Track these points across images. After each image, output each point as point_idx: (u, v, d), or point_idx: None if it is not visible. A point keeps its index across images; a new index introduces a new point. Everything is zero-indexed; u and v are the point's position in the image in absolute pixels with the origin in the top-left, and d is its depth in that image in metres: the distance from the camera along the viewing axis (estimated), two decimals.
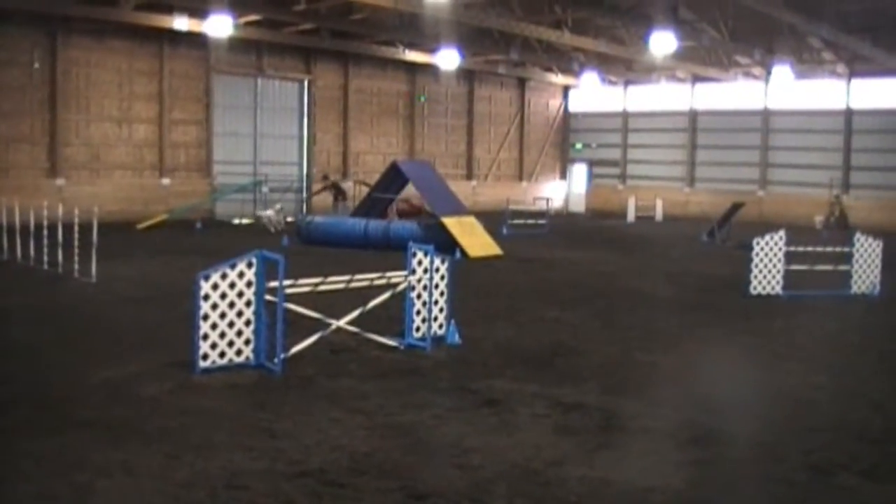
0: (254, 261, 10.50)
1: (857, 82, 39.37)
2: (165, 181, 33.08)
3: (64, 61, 30.38)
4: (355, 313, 11.62)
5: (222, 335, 10.34)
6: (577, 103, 49.35)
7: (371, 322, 12.10)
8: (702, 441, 8.43)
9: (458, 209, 24.81)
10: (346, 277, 11.60)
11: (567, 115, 49.58)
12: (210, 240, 26.01)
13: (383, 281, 11.80)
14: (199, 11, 29.07)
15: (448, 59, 35.55)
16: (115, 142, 31.95)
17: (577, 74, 42.92)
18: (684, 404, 9.77)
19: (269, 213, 29.08)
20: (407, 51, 37.74)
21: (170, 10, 29.75)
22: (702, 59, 39.13)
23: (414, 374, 10.67)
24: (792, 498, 7.17)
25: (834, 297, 17.83)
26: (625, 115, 47.39)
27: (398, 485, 7.05)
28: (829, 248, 18.94)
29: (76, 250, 17.31)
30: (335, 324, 11.45)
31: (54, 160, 30.39)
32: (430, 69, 40.43)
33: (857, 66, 38.23)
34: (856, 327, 15.06)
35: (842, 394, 10.48)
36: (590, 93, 47.89)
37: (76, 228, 17.22)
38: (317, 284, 11.15)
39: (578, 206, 48.07)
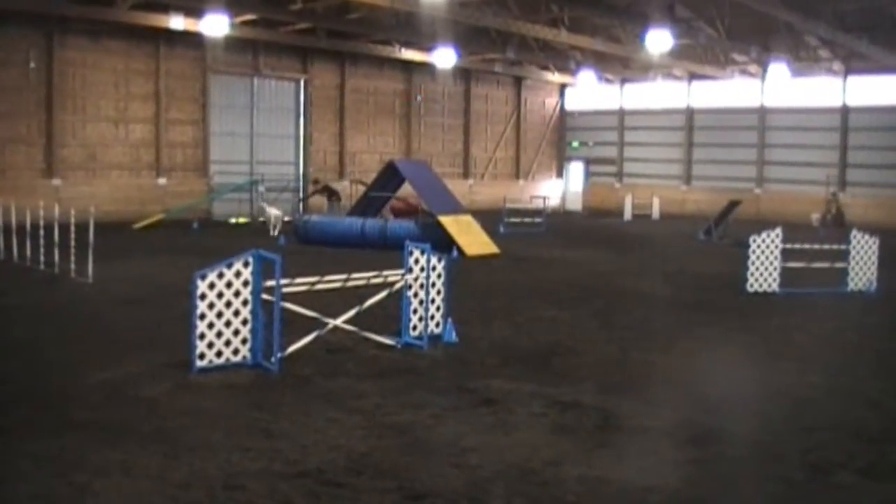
0: (250, 260, 10.49)
1: (853, 80, 39.39)
2: (162, 181, 33.07)
3: (60, 61, 30.37)
4: (352, 312, 11.62)
5: (219, 335, 10.33)
6: (573, 101, 49.37)
7: (368, 321, 12.09)
8: (699, 440, 8.43)
9: (455, 208, 24.81)
10: (343, 276, 11.59)
11: (564, 114, 49.58)
12: (207, 239, 25.99)
13: (380, 280, 11.79)
14: (195, 11, 29.06)
15: (444, 57, 35.57)
16: (111, 142, 31.93)
17: (573, 73, 42.92)
18: (682, 403, 9.77)
19: (275, 211, 28.68)
20: (403, 50, 37.73)
21: (166, 9, 29.73)
22: (698, 56, 39.14)
23: (411, 374, 10.66)
24: (790, 497, 7.17)
25: (830, 295, 17.85)
26: (621, 114, 47.41)
27: (396, 484, 7.04)
28: (825, 246, 18.94)
29: (73, 250, 17.30)
30: (332, 323, 11.44)
31: (51, 160, 30.37)
32: (426, 68, 40.44)
33: (854, 64, 38.25)
34: (852, 325, 15.06)
35: (839, 392, 10.48)
36: (586, 91, 47.89)
37: (73, 228, 17.20)
38: (314, 283, 11.15)
39: (575, 204, 48.06)
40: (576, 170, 49.21)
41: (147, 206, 31.65)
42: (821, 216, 37.70)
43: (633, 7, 32.84)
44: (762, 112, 42.27)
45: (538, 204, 35.55)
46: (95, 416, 8.66)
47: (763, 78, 40.54)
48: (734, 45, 35.18)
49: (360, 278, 11.63)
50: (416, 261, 12.11)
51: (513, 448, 8.03)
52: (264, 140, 36.41)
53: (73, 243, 17.28)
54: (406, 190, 27.63)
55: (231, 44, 33.55)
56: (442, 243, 20.90)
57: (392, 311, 12.67)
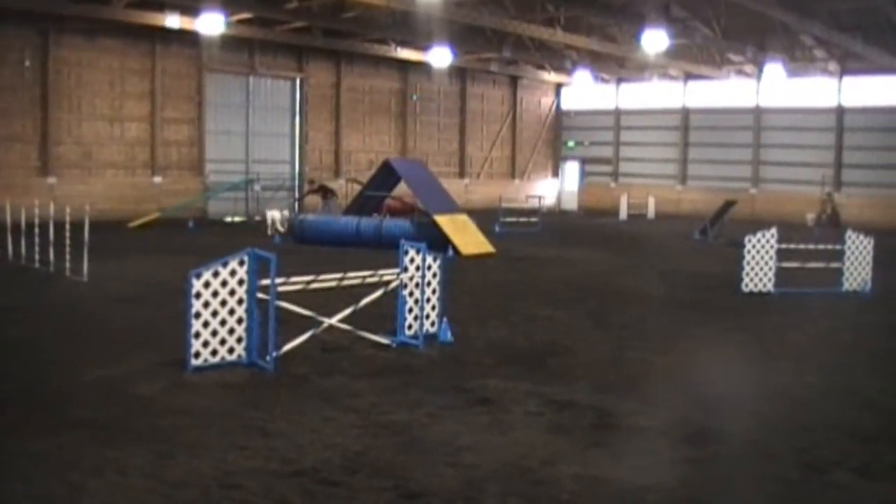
0: (246, 259, 10.48)
1: (848, 80, 39.46)
2: (157, 180, 33.04)
3: (56, 60, 30.32)
4: (348, 311, 11.60)
5: (214, 333, 10.32)
6: (569, 101, 49.39)
7: (363, 320, 12.08)
8: (695, 439, 8.43)
9: (451, 207, 24.81)
10: (339, 275, 11.59)
11: (559, 113, 49.61)
12: (202, 238, 25.98)
13: (375, 279, 11.79)
14: (190, 9, 29.05)
15: (440, 57, 35.56)
16: (106, 140, 31.90)
17: (569, 72, 42.99)
18: (677, 403, 9.78)
19: (277, 214, 28.34)
20: (399, 49, 37.72)
21: (161, 7, 29.71)
22: (694, 56, 39.18)
23: (406, 373, 10.66)
24: (785, 496, 7.17)
25: (825, 295, 17.86)
26: (617, 113, 47.44)
27: (391, 483, 7.04)
28: (820, 246, 18.95)
29: (68, 249, 17.27)
30: (327, 322, 11.43)
31: (46, 159, 30.33)
32: (422, 67, 40.42)
33: (849, 64, 38.32)
34: (847, 325, 15.08)
35: (834, 392, 10.49)
36: (582, 91, 47.93)
37: (68, 227, 17.18)
38: (309, 282, 11.15)
39: (571, 204, 48.10)
40: (571, 169, 49.24)
41: (142, 204, 31.61)
42: (816, 216, 37.75)
43: (629, 7, 32.86)
44: (758, 112, 42.31)
45: (534, 203, 35.55)
46: (91, 414, 8.65)
47: (759, 78, 40.59)
48: (730, 45, 35.25)
49: (355, 277, 11.63)
50: (412, 260, 12.11)
51: (508, 447, 8.03)
52: (260, 139, 36.40)
53: (68, 242, 17.26)
54: (402, 189, 27.60)
55: (227, 42, 33.53)
56: (437, 242, 20.89)
57: (387, 311, 12.66)
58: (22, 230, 19.04)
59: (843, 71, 39.16)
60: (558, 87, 48.97)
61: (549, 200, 44.90)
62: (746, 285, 17.91)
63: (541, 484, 7.15)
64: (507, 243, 25.90)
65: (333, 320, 11.52)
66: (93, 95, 31.47)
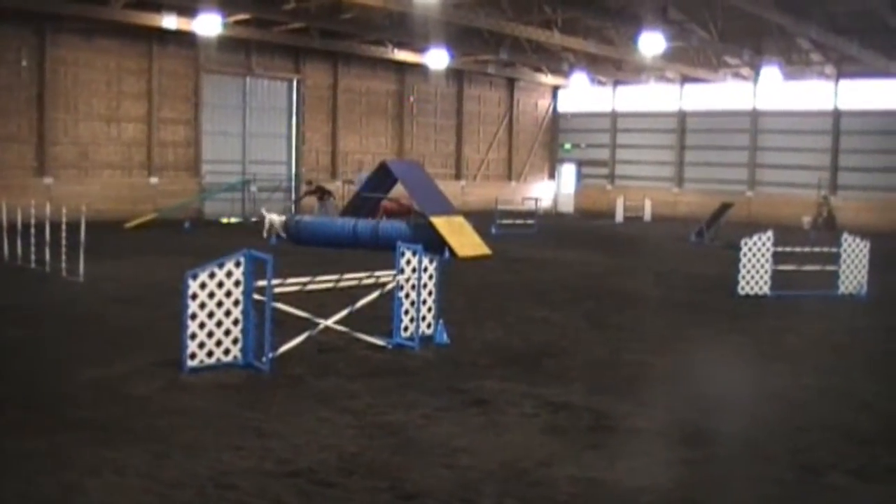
0: (242, 260, 10.48)
1: (845, 83, 39.52)
2: (154, 180, 33.02)
3: (52, 60, 30.30)
4: (344, 312, 11.60)
5: (210, 334, 10.31)
6: (566, 103, 49.42)
7: (359, 321, 12.07)
8: (691, 441, 8.44)
9: (448, 209, 24.81)
10: (335, 277, 11.59)
11: (556, 116, 49.64)
12: (198, 239, 25.96)
13: (372, 280, 11.79)
14: (188, 10, 29.03)
15: (437, 58, 35.59)
16: (103, 141, 31.87)
17: (566, 74, 43.03)
18: (673, 404, 9.79)
19: (276, 217, 27.60)
20: (396, 50, 37.73)
21: (159, 8, 29.70)
22: (691, 59, 39.22)
23: (402, 374, 10.66)
24: (781, 497, 7.18)
25: (821, 298, 17.87)
26: (614, 116, 47.47)
27: (387, 484, 7.04)
28: (816, 249, 18.98)
29: (64, 249, 17.25)
30: (323, 323, 11.43)
31: (42, 159, 30.30)
32: (419, 69, 40.43)
33: (846, 68, 38.37)
34: (843, 328, 15.10)
35: (830, 394, 10.50)
36: (579, 93, 47.96)
37: (64, 227, 17.16)
38: (305, 284, 11.14)
39: (567, 206, 48.13)
40: (568, 171, 49.26)
41: (139, 205, 31.58)
42: (812, 219, 37.77)
43: (626, 9, 32.89)
44: (754, 115, 42.35)
45: (530, 205, 35.57)
46: (87, 415, 8.65)
47: (755, 81, 40.62)
48: (726, 48, 35.27)
49: (351, 279, 11.63)
50: (408, 262, 12.11)
51: (504, 448, 8.03)
52: (256, 140, 36.39)
53: (64, 242, 17.24)
54: (398, 190, 27.60)
55: (224, 43, 33.52)
56: (434, 244, 20.89)
57: (383, 312, 12.66)
58: (18, 230, 19.02)
59: (840, 74, 39.22)
60: (555, 89, 48.99)
61: (545, 202, 44.98)
62: (742, 288, 17.92)
63: (537, 485, 7.15)
64: (504, 245, 25.91)
65: (330, 322, 11.52)
66: (90, 95, 31.45)
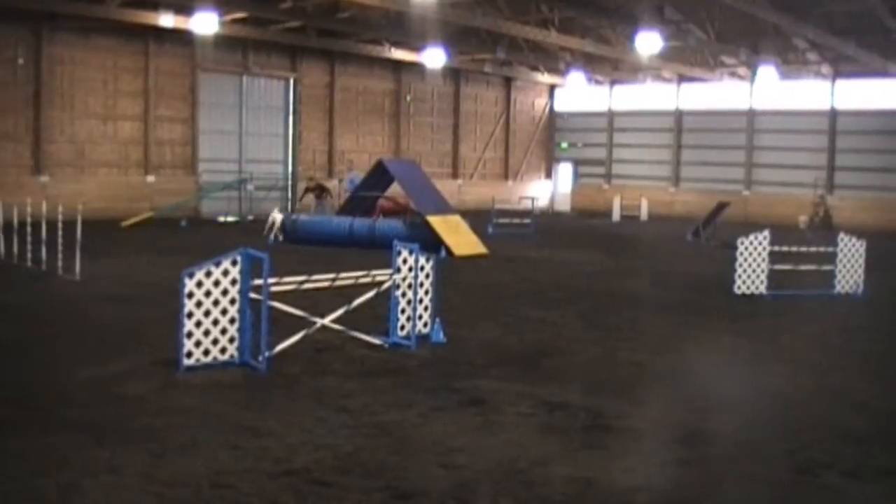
0: (238, 259, 10.47)
1: (841, 83, 39.61)
2: (150, 179, 33.00)
3: (49, 58, 30.29)
4: (340, 311, 11.60)
5: (206, 333, 10.31)
6: (562, 103, 49.45)
7: (356, 320, 12.08)
8: (687, 441, 8.45)
9: (444, 208, 24.81)
10: (331, 276, 11.59)
11: (553, 115, 49.66)
12: (195, 238, 25.95)
13: (368, 279, 11.79)
14: (184, 8, 29.06)
15: (434, 57, 35.61)
16: (99, 139, 31.86)
17: (563, 74, 43.03)
18: (669, 404, 9.80)
19: (279, 216, 27.22)
20: (393, 49, 37.74)
21: (155, 6, 29.74)
22: (687, 59, 39.27)
23: (399, 373, 10.66)
24: (776, 498, 7.19)
25: (818, 297, 17.89)
26: (610, 115, 47.51)
27: (383, 484, 7.04)
28: (813, 248, 18.99)
29: (60, 248, 17.24)
30: (320, 322, 11.43)
31: (38, 157, 30.28)
32: (416, 68, 40.44)
33: (842, 67, 38.43)
34: (839, 327, 15.11)
35: (826, 393, 10.51)
36: (576, 92, 48.01)
37: (60, 226, 17.15)
38: (302, 282, 11.14)
39: (564, 205, 48.16)
40: (564, 171, 49.31)
41: (135, 203, 31.59)
42: (808, 219, 37.80)
43: (623, 9, 32.90)
44: (751, 114, 42.41)
45: (527, 204, 35.58)
46: (82, 414, 8.64)
47: (752, 80, 40.69)
48: (723, 48, 35.30)
49: (348, 278, 11.63)
50: (405, 261, 12.11)
51: (500, 448, 8.03)
52: (253, 138, 36.37)
53: (60, 241, 17.22)
54: (395, 189, 27.59)
55: (220, 42, 33.51)
56: (430, 243, 20.89)
57: (380, 311, 12.66)
58: (14, 229, 18.99)
59: (836, 74, 39.30)
60: (552, 88, 49.02)
61: (542, 202, 44.99)
62: (739, 287, 17.93)
63: (532, 485, 7.15)
64: (500, 244, 25.92)
65: (326, 321, 11.52)
66: (86, 94, 31.44)
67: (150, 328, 12.70)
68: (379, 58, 38.69)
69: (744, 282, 17.95)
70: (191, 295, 10.14)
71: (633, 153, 46.65)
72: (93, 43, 31.39)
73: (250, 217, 33.11)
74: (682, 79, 43.84)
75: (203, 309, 10.25)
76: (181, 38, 32.22)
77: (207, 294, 10.26)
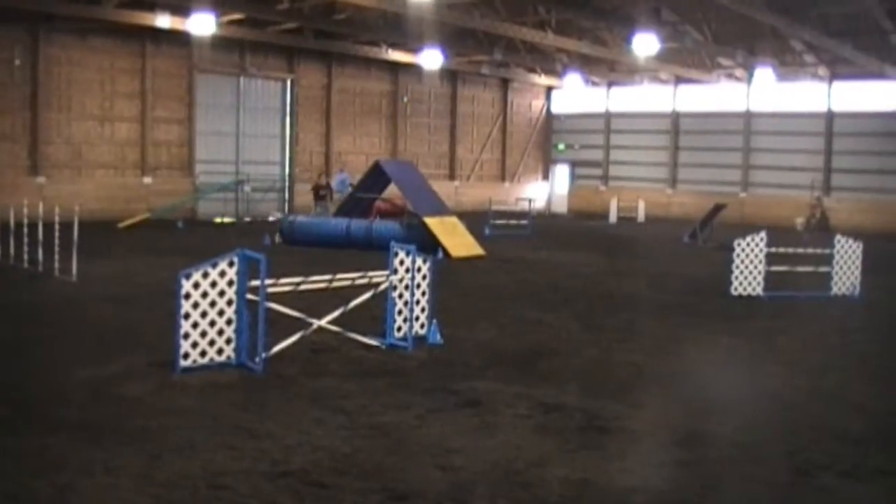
0: (235, 260, 10.46)
1: (838, 85, 39.63)
2: (147, 180, 32.98)
3: (46, 59, 30.26)
4: (337, 313, 11.60)
5: (203, 334, 10.30)
6: (559, 104, 49.44)
7: (353, 322, 12.08)
8: (683, 442, 8.45)
9: (441, 209, 24.81)
10: (328, 277, 11.59)
11: (550, 116, 49.66)
12: (191, 239, 25.94)
13: (365, 281, 11.79)
14: (181, 9, 29.03)
15: (431, 59, 35.62)
16: (96, 140, 31.84)
17: (560, 75, 43.06)
18: (666, 405, 9.80)
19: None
20: (390, 51, 37.74)
21: (152, 7, 29.71)
22: (684, 60, 39.29)
23: (395, 375, 10.66)
24: (774, 499, 7.19)
25: (814, 299, 17.90)
26: (607, 117, 47.50)
27: (380, 485, 7.04)
28: (809, 250, 19.00)
29: (57, 249, 17.23)
30: (317, 323, 11.43)
31: (35, 158, 30.26)
32: (413, 69, 40.41)
33: (839, 69, 38.45)
34: (836, 329, 15.12)
35: (823, 394, 10.52)
36: (573, 94, 47.99)
37: (57, 227, 17.13)
38: (298, 284, 11.14)
39: (561, 206, 48.16)
40: (561, 172, 49.29)
41: (132, 204, 31.56)
42: (805, 220, 37.83)
43: (620, 10, 32.93)
44: (747, 116, 42.43)
45: (524, 206, 35.57)
46: (79, 415, 8.63)
47: (749, 82, 40.73)
48: (720, 50, 35.33)
49: (344, 279, 11.63)
50: (401, 262, 12.11)
51: (497, 449, 8.03)
52: (250, 140, 36.35)
53: (57, 242, 17.21)
54: (392, 191, 27.60)
55: (217, 43, 33.47)
56: (427, 244, 20.88)
57: (377, 312, 12.67)
58: (11, 230, 18.98)
59: (833, 76, 39.32)
60: (549, 90, 49.01)
61: (538, 203, 44.94)
62: (735, 289, 17.95)
63: (529, 486, 7.16)
64: (497, 246, 25.92)
65: (323, 322, 11.52)
66: (83, 95, 31.41)
67: (146, 329, 12.69)
68: (376, 59, 38.70)
69: (740, 283, 17.97)
70: (187, 296, 10.13)
71: (630, 155, 46.66)
72: (89, 44, 31.37)
73: (247, 218, 33.10)
74: (678, 80, 43.84)
75: (200, 310, 10.24)
76: (178, 39, 32.20)
77: (204, 295, 10.25)
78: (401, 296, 12.13)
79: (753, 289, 17.95)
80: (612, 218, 40.99)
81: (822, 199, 38.97)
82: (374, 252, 19.74)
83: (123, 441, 7.86)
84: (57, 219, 17.23)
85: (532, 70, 45.11)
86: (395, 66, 40.48)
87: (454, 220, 24.56)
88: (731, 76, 41.51)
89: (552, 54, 41.11)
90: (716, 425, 9.00)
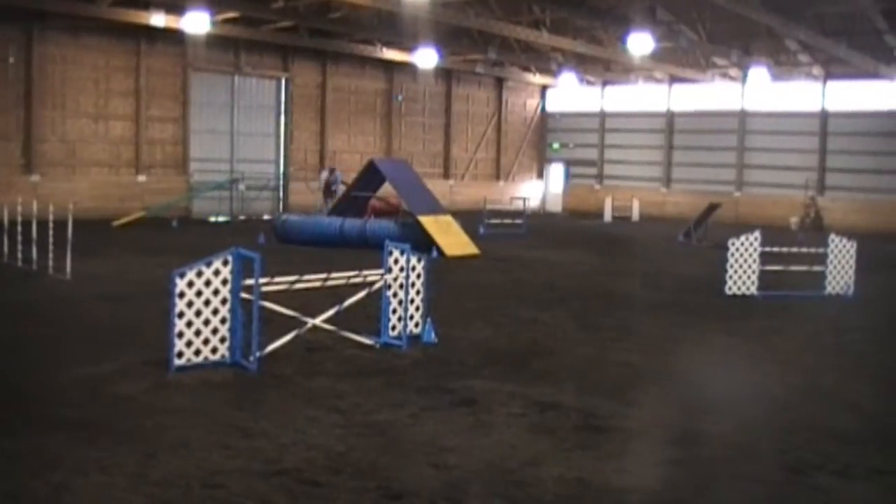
0: (229, 258, 10.45)
1: (832, 84, 39.70)
2: (142, 178, 32.93)
3: (40, 57, 30.20)
4: (331, 311, 11.59)
5: (198, 333, 10.29)
6: (554, 103, 49.43)
7: (347, 320, 12.06)
8: (678, 441, 8.46)
9: (436, 208, 24.80)
10: (323, 275, 11.58)
11: (544, 115, 49.65)
12: (186, 238, 25.91)
13: (359, 279, 11.78)
14: (176, 8, 28.99)
15: (426, 57, 35.61)
16: (91, 138, 31.79)
17: (554, 74, 43.05)
18: (661, 404, 9.81)
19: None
20: (385, 49, 37.71)
21: (147, 6, 29.66)
22: (679, 60, 39.29)
23: (390, 373, 10.65)
24: (767, 497, 7.20)
25: (808, 298, 17.93)
26: (602, 116, 47.51)
27: (374, 484, 7.03)
28: (803, 249, 19.04)
29: (51, 247, 17.20)
30: (311, 322, 11.42)
31: (30, 156, 30.20)
32: (407, 68, 40.40)
33: (833, 69, 38.50)
34: (830, 328, 15.15)
35: (817, 394, 10.54)
36: (567, 93, 47.99)
37: (51, 225, 17.10)
38: (293, 282, 11.13)
39: (555, 205, 48.18)
40: (556, 171, 49.29)
41: (126, 203, 31.51)
42: (799, 220, 37.90)
43: (615, 9, 32.91)
44: (742, 115, 42.47)
45: (518, 205, 35.57)
46: (73, 414, 8.62)
47: (743, 81, 40.70)
48: (715, 49, 35.33)
49: (339, 278, 11.62)
50: (396, 261, 12.11)
51: (491, 448, 8.03)
52: (245, 138, 36.29)
53: (51, 240, 17.18)
54: (386, 189, 27.58)
55: (212, 41, 33.44)
56: (422, 243, 20.89)
57: (371, 311, 12.66)
58: (5, 228, 18.95)
59: (827, 75, 39.38)
60: (544, 88, 49.01)
61: (533, 202, 44.98)
62: (730, 288, 17.97)
63: (524, 485, 7.16)
64: (492, 244, 25.92)
65: (317, 320, 11.51)
66: (77, 93, 31.36)
67: (141, 328, 12.68)
68: (371, 58, 38.67)
69: (735, 282, 17.99)
70: (181, 295, 10.12)
71: (625, 154, 46.67)
72: (84, 42, 31.32)
73: (242, 217, 33.06)
74: (673, 80, 43.88)
75: (194, 309, 10.23)
76: (173, 37, 32.16)
77: (198, 294, 10.24)
78: (395, 295, 12.13)
79: (748, 288, 17.97)
80: (607, 217, 41.02)
81: (816, 198, 39.05)
82: (369, 251, 19.75)
83: (118, 440, 7.85)
84: (51, 217, 17.19)
85: (527, 69, 45.12)
86: (390, 65, 40.46)
87: (449, 218, 24.56)
88: (725, 75, 41.54)
89: (547, 53, 41.10)
90: (711, 424, 9.01)
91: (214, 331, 10.42)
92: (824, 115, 40.02)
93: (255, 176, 35.55)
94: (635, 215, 41.67)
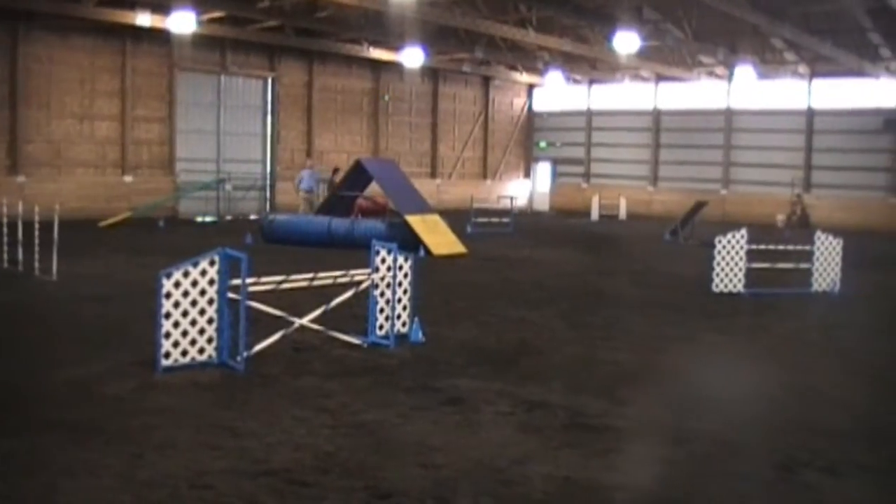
0: (216, 258, 10.43)
1: (818, 83, 39.86)
2: (128, 179, 32.84)
3: (25, 57, 30.07)
4: (319, 311, 11.58)
5: (185, 333, 10.26)
6: (541, 102, 49.51)
7: (334, 320, 12.06)
8: (667, 439, 8.46)
9: (423, 207, 24.78)
10: (310, 275, 11.56)
11: (531, 114, 49.71)
12: (173, 238, 25.85)
13: (347, 279, 11.77)
14: (162, 7, 28.94)
15: (412, 57, 35.61)
16: (77, 139, 31.68)
17: (541, 73, 43.10)
18: (649, 403, 9.81)
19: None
20: (371, 49, 37.70)
21: (132, 6, 29.61)
22: (665, 58, 39.37)
23: (377, 373, 10.64)
24: (756, 495, 7.21)
25: (795, 295, 17.99)
26: (589, 114, 47.59)
27: (362, 484, 7.02)
28: (790, 247, 19.09)
29: (37, 248, 17.13)
30: (298, 322, 11.40)
31: (15, 157, 30.06)
32: (394, 67, 40.41)
33: (819, 67, 38.64)
34: (817, 325, 15.20)
35: (804, 391, 10.56)
36: (554, 91, 48.07)
37: (37, 226, 17.03)
38: (280, 282, 11.11)
39: (543, 204, 48.24)
40: (543, 170, 49.36)
41: (113, 203, 31.41)
42: (786, 217, 38.03)
43: (602, 8, 32.96)
44: (728, 114, 42.60)
45: (506, 204, 35.61)
46: (60, 415, 8.58)
47: (729, 80, 40.84)
48: (701, 47, 35.39)
49: (326, 277, 11.60)
50: (383, 260, 12.10)
51: (479, 447, 8.03)
52: (231, 138, 36.22)
53: (37, 241, 17.11)
54: (374, 189, 27.56)
55: (198, 41, 33.37)
56: (409, 242, 20.89)
57: (359, 311, 12.65)
58: None
59: (814, 73, 39.53)
60: (530, 87, 49.08)
61: (520, 201, 45.03)
62: (717, 286, 18.01)
63: (512, 484, 7.15)
64: (479, 244, 25.93)
65: (305, 320, 11.49)
66: (63, 93, 31.24)
67: (127, 328, 12.64)
68: (357, 57, 38.66)
69: (722, 280, 18.03)
70: (168, 295, 10.09)
71: (612, 152, 46.76)
72: (70, 42, 31.20)
73: (228, 217, 33.01)
74: (660, 78, 43.99)
75: (181, 309, 10.20)
76: (159, 37, 32.08)
77: (185, 294, 10.21)
78: (382, 294, 12.12)
79: (735, 286, 18.01)
80: (594, 216, 41.08)
81: (802, 196, 39.19)
82: (357, 250, 19.72)
83: (106, 440, 7.82)
84: (37, 218, 17.10)
85: (513, 68, 45.16)
86: (377, 64, 40.45)
87: (436, 218, 24.55)
88: (711, 74, 41.62)
89: (533, 52, 41.14)
90: (699, 422, 9.02)
91: (201, 331, 10.40)
92: (810, 113, 40.18)
93: (242, 176, 35.50)
94: (622, 214, 41.75)
